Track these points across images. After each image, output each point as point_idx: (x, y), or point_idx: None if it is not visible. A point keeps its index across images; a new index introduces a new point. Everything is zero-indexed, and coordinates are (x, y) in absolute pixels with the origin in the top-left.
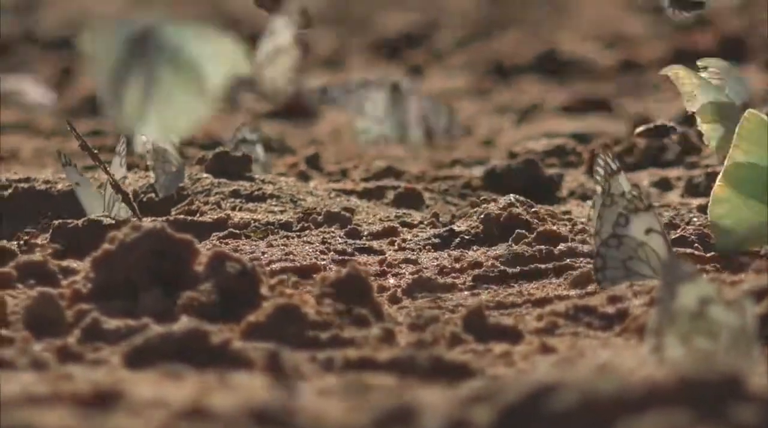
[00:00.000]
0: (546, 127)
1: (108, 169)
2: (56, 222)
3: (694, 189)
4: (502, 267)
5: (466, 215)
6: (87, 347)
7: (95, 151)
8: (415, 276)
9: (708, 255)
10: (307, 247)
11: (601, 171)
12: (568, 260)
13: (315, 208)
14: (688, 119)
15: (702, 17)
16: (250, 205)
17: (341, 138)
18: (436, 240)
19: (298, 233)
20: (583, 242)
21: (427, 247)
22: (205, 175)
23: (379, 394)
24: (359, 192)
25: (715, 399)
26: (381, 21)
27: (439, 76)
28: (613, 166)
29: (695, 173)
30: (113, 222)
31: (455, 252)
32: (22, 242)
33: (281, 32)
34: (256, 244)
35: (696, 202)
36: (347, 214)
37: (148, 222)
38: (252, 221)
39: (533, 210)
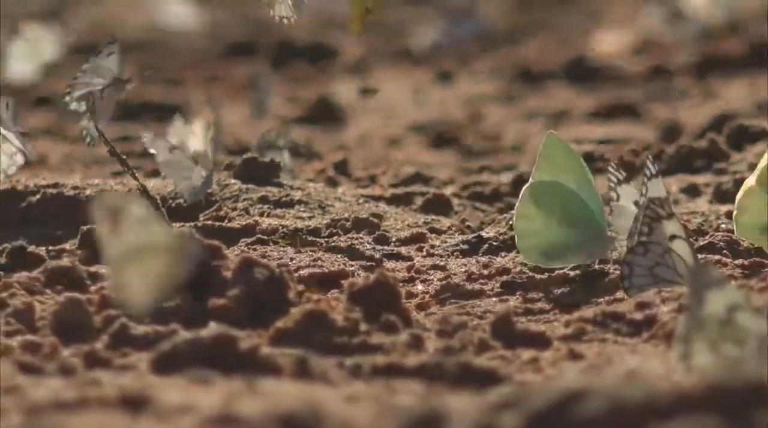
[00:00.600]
0: (574, 133)
1: (136, 174)
2: (84, 227)
3: (722, 195)
4: (530, 274)
5: (494, 221)
6: (115, 353)
7: (124, 157)
8: (444, 282)
9: (737, 261)
10: (335, 253)
11: (613, 178)
12: (596, 266)
13: (344, 215)
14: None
15: (731, 23)
16: (279, 211)
17: (370, 143)
18: (465, 247)
19: (326, 239)
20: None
21: (455, 253)
22: (233, 181)
23: (407, 400)
24: (387, 198)
25: (743, 406)
26: (409, 28)
27: (467, 81)
28: (620, 176)
29: (724, 179)
30: None
31: (483, 259)
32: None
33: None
34: (284, 250)
35: (724, 208)
36: (375, 220)
37: (176, 229)
38: (280, 227)
39: None
